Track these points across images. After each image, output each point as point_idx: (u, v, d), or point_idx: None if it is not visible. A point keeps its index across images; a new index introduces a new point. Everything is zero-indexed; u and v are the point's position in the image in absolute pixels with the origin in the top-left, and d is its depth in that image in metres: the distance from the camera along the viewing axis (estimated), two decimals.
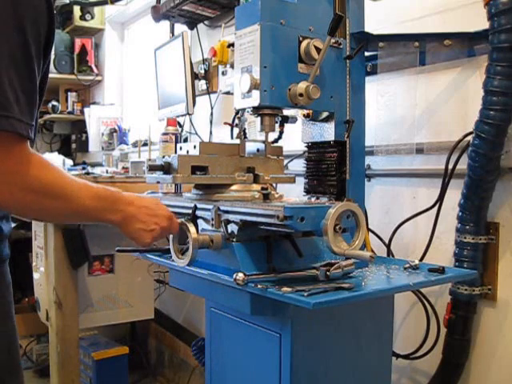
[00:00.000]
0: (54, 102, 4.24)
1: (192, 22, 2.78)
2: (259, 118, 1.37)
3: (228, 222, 1.20)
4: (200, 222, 1.29)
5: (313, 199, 1.50)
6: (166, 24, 2.93)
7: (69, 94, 4.34)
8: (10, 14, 0.87)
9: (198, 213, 1.26)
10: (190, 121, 2.84)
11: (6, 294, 1.07)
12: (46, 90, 1.02)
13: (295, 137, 1.58)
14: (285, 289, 1.08)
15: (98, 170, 2.76)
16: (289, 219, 1.04)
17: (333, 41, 1.37)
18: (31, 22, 0.89)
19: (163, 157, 1.34)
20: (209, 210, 1.23)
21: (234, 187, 1.34)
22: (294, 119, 1.56)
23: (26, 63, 0.89)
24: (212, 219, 1.22)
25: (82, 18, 3.98)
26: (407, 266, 1.39)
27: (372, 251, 1.56)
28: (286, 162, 1.96)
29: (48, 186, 0.95)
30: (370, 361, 1.36)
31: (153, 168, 1.32)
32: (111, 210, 1.07)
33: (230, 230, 1.20)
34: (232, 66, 2.13)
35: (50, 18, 0.94)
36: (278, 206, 1.07)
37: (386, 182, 1.81)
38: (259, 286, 1.10)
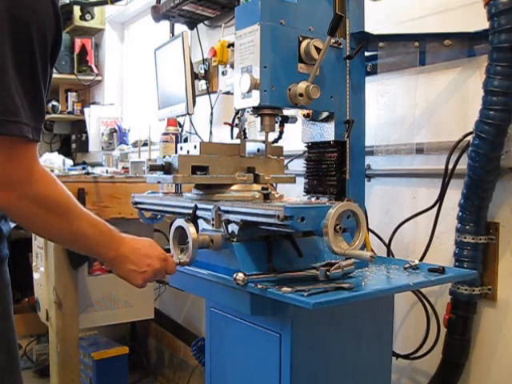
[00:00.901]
0: (54, 102, 4.24)
1: (192, 22, 2.78)
2: (259, 118, 1.36)
3: (228, 221, 1.20)
4: (200, 221, 1.29)
5: (313, 199, 1.50)
6: (166, 24, 2.93)
7: (69, 94, 4.34)
8: (14, 19, 0.87)
9: (199, 213, 1.26)
10: (190, 121, 2.84)
11: (5, 294, 1.07)
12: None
13: (295, 137, 1.58)
14: (285, 289, 1.08)
15: (98, 170, 2.75)
16: (289, 219, 1.04)
17: (333, 41, 1.37)
18: (37, 27, 0.89)
19: (164, 157, 1.34)
20: (209, 209, 1.23)
21: (234, 187, 1.34)
22: (294, 119, 1.56)
23: (31, 68, 0.89)
24: (212, 219, 1.22)
25: (82, 18, 3.97)
26: (407, 266, 1.39)
27: (372, 251, 1.56)
28: (286, 161, 1.96)
29: (53, 201, 0.95)
30: (370, 361, 1.36)
31: (153, 168, 1.32)
32: (107, 246, 1.06)
33: (230, 230, 1.20)
34: (232, 66, 2.13)
35: (57, 23, 0.94)
36: (278, 206, 1.07)
37: (386, 182, 1.81)
38: (259, 286, 1.10)
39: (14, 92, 0.86)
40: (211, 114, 2.71)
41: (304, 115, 1.51)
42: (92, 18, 4.02)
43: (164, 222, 1.62)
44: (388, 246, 1.68)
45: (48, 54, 0.93)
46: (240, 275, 1.10)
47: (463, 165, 1.48)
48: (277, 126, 1.43)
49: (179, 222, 1.20)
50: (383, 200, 1.82)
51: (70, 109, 4.33)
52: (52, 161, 2.90)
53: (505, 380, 1.49)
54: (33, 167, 0.92)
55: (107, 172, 2.66)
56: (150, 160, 2.46)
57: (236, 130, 2.08)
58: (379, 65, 1.61)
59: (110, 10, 3.99)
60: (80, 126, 4.26)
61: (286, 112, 1.48)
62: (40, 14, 0.90)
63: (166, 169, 1.31)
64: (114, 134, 3.51)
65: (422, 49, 1.55)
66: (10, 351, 1.07)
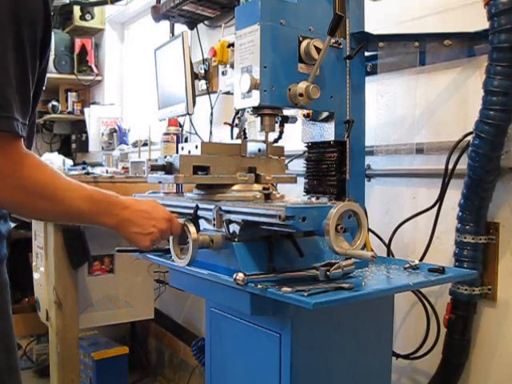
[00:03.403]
0: (54, 102, 4.24)
1: (192, 22, 2.78)
2: (259, 118, 1.36)
3: (230, 221, 1.20)
4: (202, 221, 1.29)
5: (313, 199, 1.50)
6: (166, 24, 2.93)
7: (69, 93, 4.34)
8: (6, 16, 0.88)
9: (200, 213, 1.26)
10: (190, 121, 2.84)
11: (4, 294, 1.08)
12: (46, 90, 1.03)
13: (295, 137, 1.58)
14: (285, 289, 1.08)
15: (98, 170, 2.75)
16: (290, 219, 1.04)
17: (333, 41, 1.37)
18: (27, 23, 0.90)
19: (165, 157, 1.34)
20: (210, 209, 1.23)
21: (235, 187, 1.34)
22: (294, 119, 1.56)
23: (21, 64, 0.91)
24: (214, 219, 1.22)
25: (82, 18, 3.98)
26: (407, 266, 1.39)
27: (372, 251, 1.56)
28: (286, 161, 1.96)
29: (40, 186, 0.96)
30: (370, 361, 1.36)
31: (155, 168, 1.33)
32: (106, 213, 1.06)
33: (231, 230, 1.20)
34: (232, 66, 2.13)
35: (47, 19, 0.95)
36: (279, 206, 1.07)
37: (386, 182, 1.81)
38: (259, 286, 1.10)
39: (7, 88, 0.88)
40: (211, 113, 2.71)
41: (304, 115, 1.51)
42: (92, 18, 4.02)
43: None
44: (388, 246, 1.68)
45: (37, 51, 0.94)
46: (240, 275, 1.10)
47: (463, 165, 1.48)
48: (277, 125, 1.43)
49: (179, 221, 1.20)
50: (383, 200, 1.82)
51: (70, 109, 4.33)
52: (52, 161, 2.90)
53: (505, 380, 1.49)
54: (18, 157, 0.93)
55: (107, 172, 2.67)
56: (150, 160, 2.46)
57: (236, 130, 2.08)
58: (379, 65, 1.61)
59: (110, 9, 3.99)
60: (80, 125, 4.26)
61: (286, 112, 1.48)
62: (32, 10, 0.91)
63: (167, 169, 1.31)
64: (114, 134, 3.52)
65: (422, 49, 1.55)
66: (8, 351, 1.07)
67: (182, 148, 1.42)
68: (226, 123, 2.16)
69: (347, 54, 1.44)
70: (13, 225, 1.17)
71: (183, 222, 1.19)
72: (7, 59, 0.88)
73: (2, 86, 0.88)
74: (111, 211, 1.07)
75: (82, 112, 4.16)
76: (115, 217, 1.07)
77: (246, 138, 1.85)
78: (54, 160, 2.93)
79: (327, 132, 1.46)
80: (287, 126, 1.50)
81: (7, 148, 0.91)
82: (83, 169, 2.76)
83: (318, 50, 1.30)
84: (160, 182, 1.43)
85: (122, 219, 1.08)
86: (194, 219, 1.22)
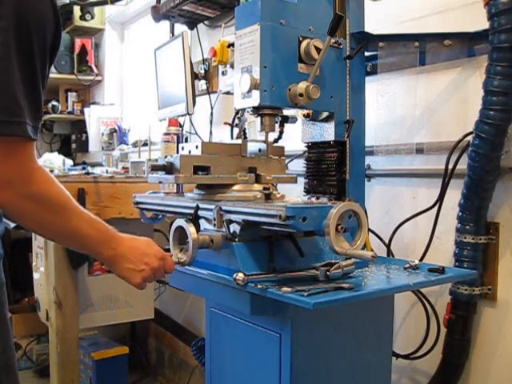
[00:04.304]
0: (54, 102, 4.24)
1: (192, 22, 2.78)
2: (259, 118, 1.37)
3: (230, 221, 1.20)
4: (202, 221, 1.29)
5: (313, 199, 1.50)
6: (166, 24, 2.93)
7: (69, 93, 4.34)
8: (15, 21, 0.88)
9: (200, 213, 1.26)
10: (190, 121, 2.84)
11: (0, 293, 1.08)
12: (46, 90, 1.03)
13: (295, 137, 1.58)
14: (285, 289, 1.08)
15: (98, 170, 2.75)
16: (291, 219, 1.04)
17: (333, 41, 1.37)
18: (37, 29, 0.91)
19: (165, 157, 1.34)
20: (211, 209, 1.23)
21: (235, 187, 1.34)
22: (294, 119, 1.56)
23: (31, 68, 0.91)
24: (214, 219, 1.22)
25: (82, 18, 3.97)
26: (407, 266, 1.39)
27: (372, 251, 1.56)
28: (286, 161, 1.96)
29: (49, 199, 0.96)
30: (370, 361, 1.36)
31: (155, 168, 1.33)
32: (105, 244, 1.07)
33: (232, 230, 1.20)
34: (232, 66, 2.13)
35: (57, 24, 0.95)
36: (279, 206, 1.07)
37: (386, 182, 1.81)
38: (259, 286, 1.10)
39: (17, 92, 0.88)
40: (211, 114, 2.71)
41: (304, 115, 1.51)
42: (92, 18, 4.02)
43: (164, 222, 1.62)
44: (388, 246, 1.68)
45: (47, 55, 0.95)
46: (240, 275, 1.10)
47: (463, 165, 1.48)
48: (277, 126, 1.43)
49: (179, 221, 1.20)
50: (383, 200, 1.82)
51: (70, 109, 4.33)
52: (52, 161, 2.90)
53: (505, 380, 1.49)
54: (31, 166, 0.93)
55: (107, 172, 2.66)
56: (150, 160, 2.46)
57: (236, 130, 2.09)
58: (379, 65, 1.61)
59: (110, 9, 3.99)
60: (80, 125, 4.26)
61: (286, 112, 1.48)
62: (40, 14, 0.91)
63: (168, 169, 1.31)
64: (114, 134, 3.51)
65: (422, 49, 1.55)
66: (5, 351, 1.07)
67: (183, 148, 1.42)
68: (226, 123, 2.16)
69: (347, 54, 1.44)
70: (12, 225, 1.17)
71: (183, 221, 1.19)
72: (16, 64, 0.88)
73: (13, 92, 0.88)
74: (109, 244, 1.08)
75: (82, 112, 4.16)
76: (112, 250, 1.08)
77: (246, 137, 1.85)
78: (54, 160, 2.93)
79: (327, 132, 1.46)
80: (287, 126, 1.50)
81: (18, 152, 0.91)
82: (83, 169, 2.76)
83: (318, 49, 1.30)
84: (160, 182, 1.44)
85: (117, 254, 1.09)
86: (195, 219, 1.22)
